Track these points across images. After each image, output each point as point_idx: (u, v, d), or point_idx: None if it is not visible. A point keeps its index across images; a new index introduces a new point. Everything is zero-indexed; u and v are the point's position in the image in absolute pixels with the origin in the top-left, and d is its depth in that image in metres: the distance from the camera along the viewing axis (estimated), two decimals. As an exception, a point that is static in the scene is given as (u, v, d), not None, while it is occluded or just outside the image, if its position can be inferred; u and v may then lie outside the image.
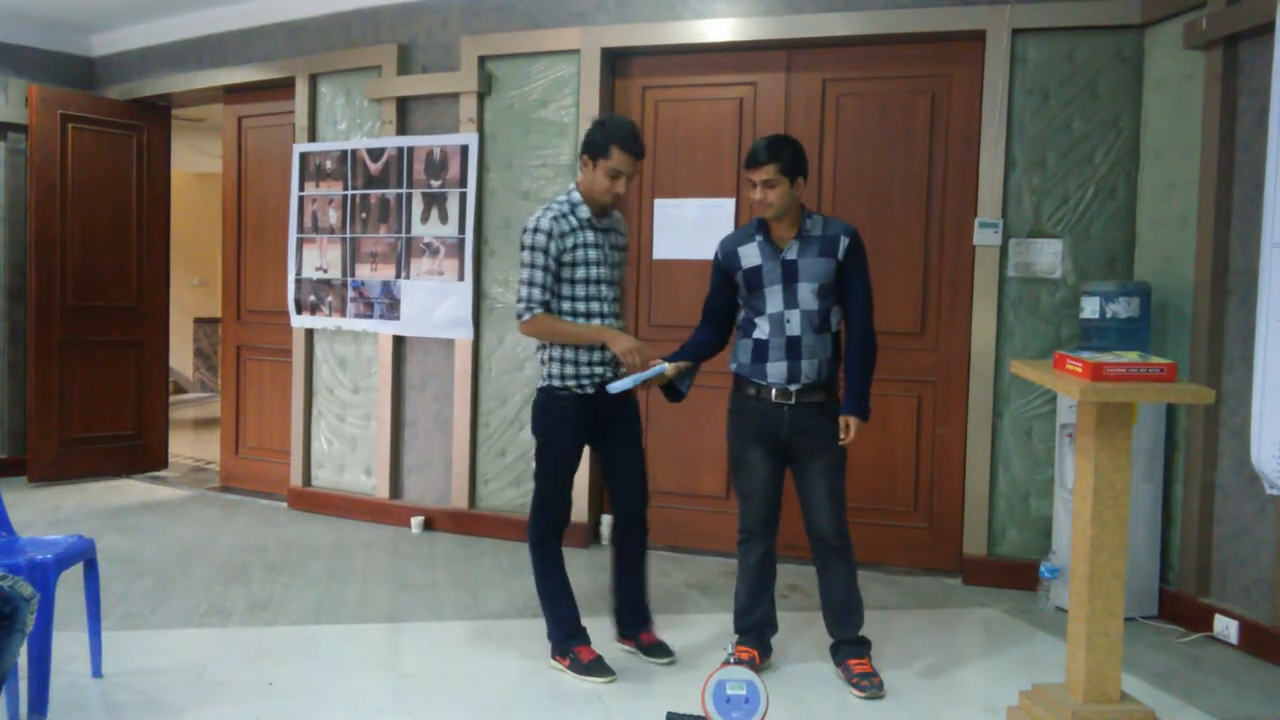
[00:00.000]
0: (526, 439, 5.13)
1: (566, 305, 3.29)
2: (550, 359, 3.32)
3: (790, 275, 3.19)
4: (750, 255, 3.24)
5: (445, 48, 5.30)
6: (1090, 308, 4.03)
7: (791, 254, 3.20)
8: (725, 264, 3.31)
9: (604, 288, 3.31)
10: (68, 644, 3.23)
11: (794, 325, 3.19)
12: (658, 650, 3.44)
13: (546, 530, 3.38)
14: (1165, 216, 4.15)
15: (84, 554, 3.13)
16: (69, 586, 3.19)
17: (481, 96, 5.18)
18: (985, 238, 4.44)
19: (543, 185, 5.09)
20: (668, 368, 3.27)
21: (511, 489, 5.20)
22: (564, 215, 3.28)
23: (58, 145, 6.21)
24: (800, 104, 4.80)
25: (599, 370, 3.28)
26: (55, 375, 6.28)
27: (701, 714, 2.78)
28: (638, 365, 3.23)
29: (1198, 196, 3.93)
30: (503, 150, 5.17)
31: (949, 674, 3.45)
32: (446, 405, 5.33)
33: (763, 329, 3.22)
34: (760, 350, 3.23)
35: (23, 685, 2.82)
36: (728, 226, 4.81)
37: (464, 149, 5.19)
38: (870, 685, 3.18)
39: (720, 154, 4.89)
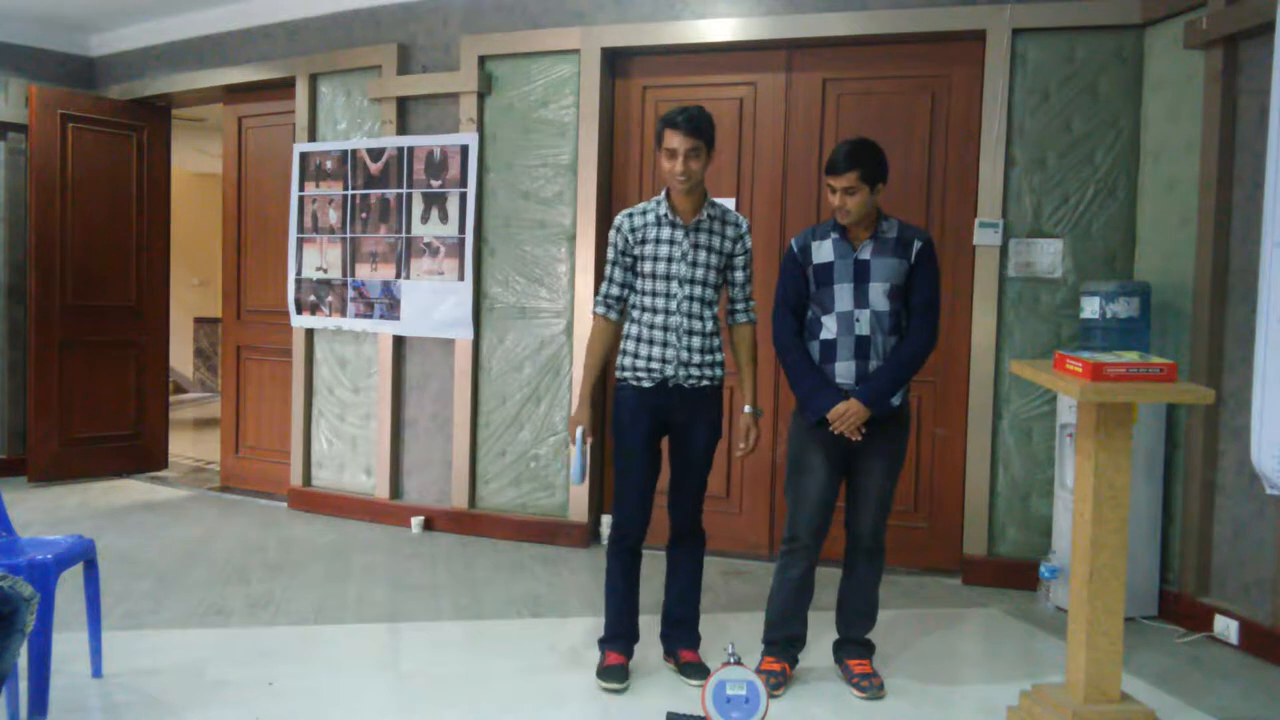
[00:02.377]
0: (526, 439, 5.14)
1: (635, 299, 3.29)
2: (619, 351, 3.32)
3: (862, 274, 3.15)
4: (823, 251, 3.20)
5: (445, 48, 5.30)
6: (1090, 308, 4.03)
7: (865, 253, 3.16)
8: (800, 257, 3.24)
9: (677, 285, 3.21)
10: (68, 644, 3.23)
11: (863, 325, 3.14)
12: (692, 670, 3.26)
13: (616, 536, 3.31)
14: (1165, 216, 4.15)
15: (84, 554, 3.12)
16: (69, 586, 3.19)
17: (481, 96, 5.18)
18: (985, 238, 4.44)
19: (543, 185, 5.10)
20: (580, 431, 3.27)
21: (512, 489, 5.20)
22: (642, 212, 3.28)
23: (58, 145, 6.21)
24: (800, 104, 4.80)
25: (656, 365, 3.21)
26: (55, 375, 6.28)
27: (701, 714, 2.78)
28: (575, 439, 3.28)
29: (1198, 196, 3.93)
30: (503, 150, 5.17)
31: (949, 674, 3.45)
32: (446, 405, 5.33)
33: (830, 328, 3.18)
34: (828, 350, 3.18)
35: (23, 685, 2.82)
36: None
37: (464, 149, 5.19)
38: (871, 686, 3.18)
39: (720, 154, 4.83)
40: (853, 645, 3.32)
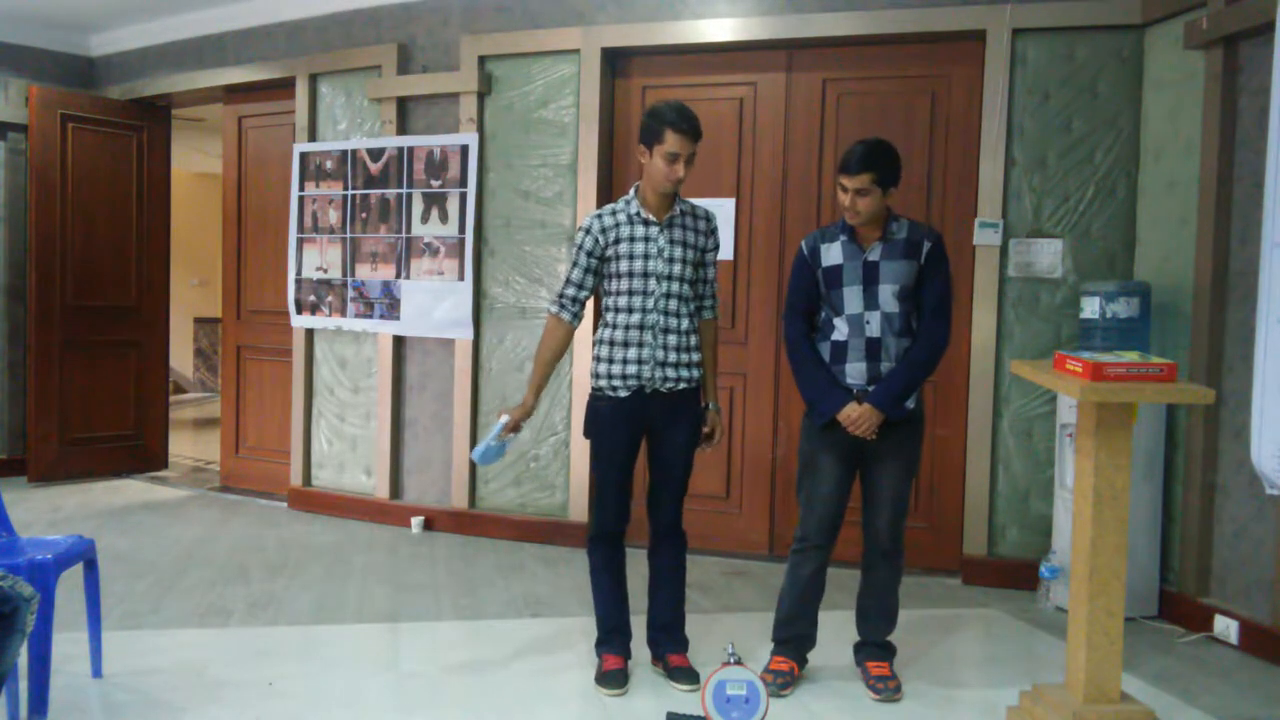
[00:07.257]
0: (526, 439, 5.14)
1: (610, 300, 3.23)
2: (592, 358, 3.27)
3: (871, 276, 3.14)
4: (832, 254, 3.18)
5: (445, 48, 5.30)
6: (1090, 308, 4.03)
7: (874, 255, 3.14)
8: (810, 259, 3.22)
9: (654, 282, 3.16)
10: (68, 644, 3.23)
11: (874, 327, 3.13)
12: (681, 675, 3.21)
13: (594, 531, 3.30)
14: (1165, 216, 4.15)
15: (84, 554, 3.12)
16: (69, 586, 3.19)
17: (481, 96, 5.18)
18: (985, 238, 4.44)
19: (542, 185, 5.10)
20: (505, 419, 3.23)
21: (512, 489, 5.20)
22: (614, 211, 3.23)
23: (58, 145, 6.21)
24: (800, 104, 4.80)
25: (632, 370, 3.16)
26: (55, 375, 6.28)
27: (701, 714, 2.78)
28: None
29: (1198, 196, 3.93)
30: (503, 150, 5.17)
31: (949, 674, 3.45)
32: (446, 405, 5.33)
33: (841, 330, 3.17)
34: (839, 351, 3.17)
35: (23, 685, 2.82)
36: (729, 226, 4.82)
37: (464, 149, 5.19)
38: (886, 689, 3.17)
39: (720, 154, 4.88)
40: (873, 647, 3.31)
